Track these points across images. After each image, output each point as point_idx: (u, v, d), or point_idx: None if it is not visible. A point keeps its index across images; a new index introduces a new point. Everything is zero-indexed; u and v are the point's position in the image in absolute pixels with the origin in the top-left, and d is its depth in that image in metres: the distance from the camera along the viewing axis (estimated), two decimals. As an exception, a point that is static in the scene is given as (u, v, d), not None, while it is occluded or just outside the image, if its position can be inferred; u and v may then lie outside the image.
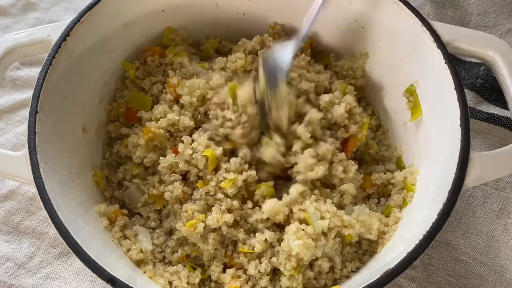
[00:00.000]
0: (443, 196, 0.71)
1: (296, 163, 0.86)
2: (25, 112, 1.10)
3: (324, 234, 0.80)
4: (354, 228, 0.79)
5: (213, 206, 0.84)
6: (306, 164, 0.84)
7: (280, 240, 0.82)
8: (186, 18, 1.03)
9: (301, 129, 0.86)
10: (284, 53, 0.88)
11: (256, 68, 0.93)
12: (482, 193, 0.97)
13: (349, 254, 0.83)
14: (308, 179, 0.84)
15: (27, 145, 0.76)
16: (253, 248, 0.81)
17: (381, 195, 0.91)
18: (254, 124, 0.88)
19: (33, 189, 0.77)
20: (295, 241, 0.76)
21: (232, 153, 0.90)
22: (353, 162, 0.88)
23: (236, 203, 0.83)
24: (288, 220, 0.83)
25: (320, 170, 0.84)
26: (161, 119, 0.90)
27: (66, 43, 0.84)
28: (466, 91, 0.94)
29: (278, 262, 0.79)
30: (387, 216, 0.85)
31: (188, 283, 0.81)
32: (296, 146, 0.86)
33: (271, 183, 0.86)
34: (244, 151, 0.87)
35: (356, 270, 0.80)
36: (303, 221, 0.80)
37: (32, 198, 1.00)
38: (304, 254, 0.76)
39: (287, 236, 0.78)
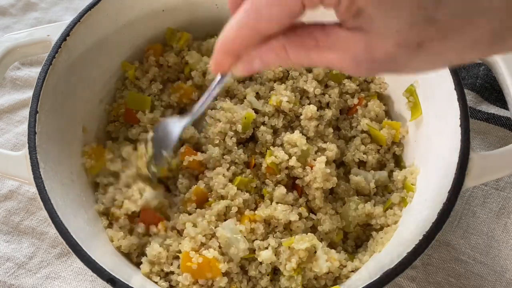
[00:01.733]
0: (443, 196, 0.71)
1: (304, 176, 0.86)
2: (25, 112, 1.09)
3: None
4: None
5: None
6: (323, 174, 0.84)
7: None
8: (186, 18, 1.03)
9: (297, 135, 0.87)
10: (174, 129, 0.83)
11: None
12: (482, 193, 0.97)
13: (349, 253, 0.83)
14: (326, 189, 0.85)
15: (27, 145, 0.76)
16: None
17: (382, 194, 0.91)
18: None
19: (33, 189, 0.77)
20: (326, 263, 0.77)
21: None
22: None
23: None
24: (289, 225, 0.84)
25: (334, 181, 0.85)
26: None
27: (66, 43, 0.84)
28: (466, 91, 0.94)
29: (278, 262, 0.79)
30: (386, 211, 0.85)
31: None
32: (293, 159, 0.86)
33: None
34: None
35: (356, 270, 0.80)
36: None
37: (32, 198, 0.99)
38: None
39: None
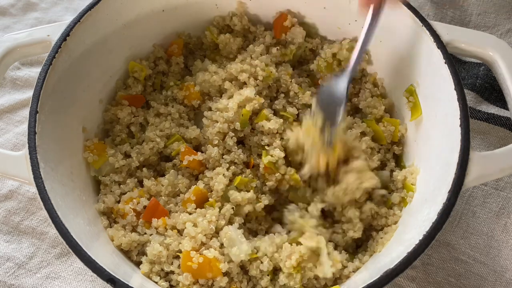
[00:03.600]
0: (443, 196, 0.71)
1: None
2: (25, 112, 1.10)
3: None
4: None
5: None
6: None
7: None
8: (186, 18, 1.03)
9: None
10: (339, 86, 0.81)
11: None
12: (482, 193, 0.97)
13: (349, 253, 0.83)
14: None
15: (27, 145, 0.76)
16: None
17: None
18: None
19: (33, 189, 0.77)
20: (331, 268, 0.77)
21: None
22: None
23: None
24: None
25: None
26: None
27: (66, 43, 0.84)
28: (466, 91, 0.94)
29: (279, 259, 0.79)
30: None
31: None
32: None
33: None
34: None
35: (356, 270, 0.80)
36: None
37: (32, 198, 1.00)
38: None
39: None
